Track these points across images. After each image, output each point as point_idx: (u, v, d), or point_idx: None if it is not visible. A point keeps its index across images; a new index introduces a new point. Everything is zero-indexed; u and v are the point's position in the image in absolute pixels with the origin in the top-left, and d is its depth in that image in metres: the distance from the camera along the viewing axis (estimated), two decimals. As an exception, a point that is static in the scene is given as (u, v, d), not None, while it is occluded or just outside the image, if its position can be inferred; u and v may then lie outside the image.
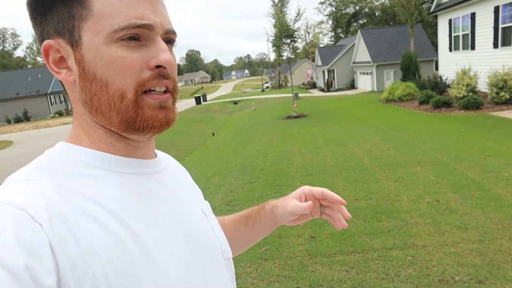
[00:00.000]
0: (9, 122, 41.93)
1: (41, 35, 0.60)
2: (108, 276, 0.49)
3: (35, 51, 75.94)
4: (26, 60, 75.76)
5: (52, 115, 43.37)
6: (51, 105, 44.70)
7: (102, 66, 0.56)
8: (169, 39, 0.61)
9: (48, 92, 43.61)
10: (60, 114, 43.43)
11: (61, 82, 0.61)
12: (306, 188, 0.85)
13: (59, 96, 46.31)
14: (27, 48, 78.10)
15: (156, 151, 0.73)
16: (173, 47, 0.64)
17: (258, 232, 0.91)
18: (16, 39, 73.91)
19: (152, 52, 0.57)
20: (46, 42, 0.58)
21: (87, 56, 0.56)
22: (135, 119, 0.58)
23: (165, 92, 0.60)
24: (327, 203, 0.84)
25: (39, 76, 45.00)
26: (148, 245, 0.55)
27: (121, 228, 0.54)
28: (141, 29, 0.56)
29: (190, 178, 0.82)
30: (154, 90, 0.58)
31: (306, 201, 0.83)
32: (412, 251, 3.44)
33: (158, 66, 0.57)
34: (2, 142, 21.45)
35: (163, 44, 0.58)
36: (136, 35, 0.56)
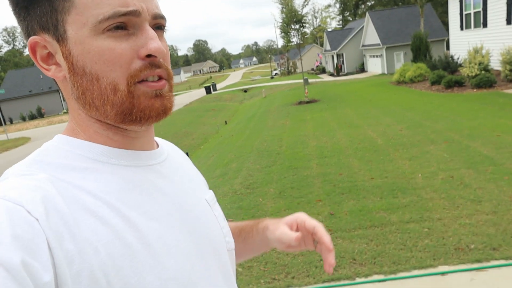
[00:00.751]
0: (24, 119, 42.77)
1: (26, 31, 0.57)
2: (107, 271, 0.49)
3: (45, 47, 76.70)
4: (37, 57, 76.64)
5: (65, 110, 44.02)
6: (63, 100, 45.24)
7: (90, 60, 0.54)
8: (158, 24, 0.59)
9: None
10: (73, 109, 44.06)
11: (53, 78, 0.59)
12: (300, 217, 0.79)
13: (71, 91, 46.88)
14: (36, 45, 78.85)
15: (158, 139, 0.72)
16: (164, 32, 0.62)
17: (249, 247, 0.86)
18: (25, 37, 74.68)
19: (141, 41, 0.55)
20: (31, 38, 0.56)
21: (74, 51, 0.54)
22: (131, 110, 0.56)
23: (159, 79, 0.58)
24: (318, 239, 0.76)
25: (50, 72, 45.58)
26: (149, 238, 0.54)
27: (121, 221, 0.53)
28: (127, 16, 0.53)
29: (194, 167, 0.81)
30: (147, 80, 0.57)
31: (297, 229, 0.78)
32: (428, 224, 3.61)
33: (148, 56, 0.55)
34: (20, 139, 22.05)
35: (151, 32, 0.56)
36: (123, 24, 0.54)
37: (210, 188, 0.82)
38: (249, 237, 0.84)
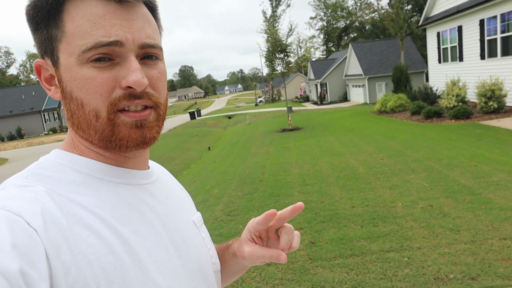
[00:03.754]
0: (2, 139, 41.80)
1: (38, 53, 0.63)
2: (99, 284, 0.49)
3: (29, 68, 76.23)
4: (20, 78, 75.89)
5: (46, 132, 43.32)
6: (45, 122, 44.67)
7: (76, 86, 0.56)
8: (148, 54, 0.60)
9: (42, 109, 43.67)
10: (54, 131, 43.41)
11: None
12: (250, 226, 0.73)
13: (53, 113, 46.34)
14: (20, 66, 78.31)
15: (150, 161, 0.74)
16: (159, 60, 0.62)
17: (225, 273, 0.83)
18: (9, 57, 74.09)
19: (123, 72, 0.56)
20: (36, 61, 0.62)
21: (64, 76, 0.58)
22: (110, 137, 0.58)
23: (144, 108, 0.59)
24: (276, 223, 0.71)
25: (33, 93, 45.10)
26: (140, 255, 0.56)
27: (114, 237, 0.54)
28: (110, 47, 0.55)
29: (183, 189, 0.83)
30: (129, 109, 0.58)
31: (257, 237, 0.73)
32: (408, 253, 3.61)
33: (129, 87, 0.57)
34: (-3, 160, 21.42)
35: (135, 63, 0.57)
36: (106, 55, 0.56)
37: None
38: (222, 262, 0.83)
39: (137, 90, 0.57)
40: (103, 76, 0.56)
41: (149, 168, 0.71)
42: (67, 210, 0.52)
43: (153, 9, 0.64)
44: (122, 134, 0.58)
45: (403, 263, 3.44)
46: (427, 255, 3.53)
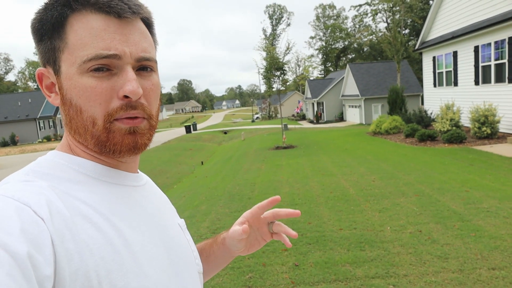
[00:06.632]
0: (-5, 146, 41.42)
1: (40, 61, 0.67)
2: (99, 272, 0.53)
3: (27, 76, 76.17)
4: (17, 84, 75.75)
5: (40, 140, 43.02)
6: (40, 129, 44.41)
7: (76, 94, 0.61)
8: (143, 66, 0.64)
9: (38, 116, 43.46)
10: (48, 139, 43.11)
11: None
12: (246, 213, 0.86)
13: (49, 121, 46.14)
14: (19, 72, 78.25)
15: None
16: (153, 72, 0.67)
17: (212, 264, 0.93)
18: (8, 64, 74.07)
19: (120, 82, 0.61)
20: (39, 69, 0.65)
21: (64, 84, 0.62)
22: (105, 142, 0.62)
23: (136, 117, 0.63)
24: (270, 217, 0.85)
25: (29, 100, 44.96)
26: (134, 248, 0.59)
27: (112, 229, 0.58)
28: (109, 59, 0.60)
29: (166, 197, 0.88)
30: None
31: (249, 225, 0.85)
32: (394, 280, 3.49)
33: (126, 96, 0.61)
34: (-13, 167, 21.14)
35: (131, 74, 0.61)
36: (105, 65, 0.60)
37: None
38: (210, 254, 0.91)
39: (133, 99, 0.61)
40: (102, 86, 0.60)
41: (138, 172, 0.75)
42: (69, 204, 0.56)
43: (149, 25, 0.69)
44: (116, 140, 0.62)
45: (388, 291, 3.32)
46: (413, 283, 3.42)
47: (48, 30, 0.62)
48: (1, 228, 0.46)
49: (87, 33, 0.60)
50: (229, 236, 0.87)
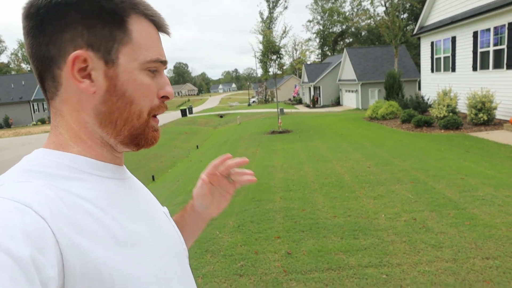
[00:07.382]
0: (-12, 128, 41.03)
1: (64, 41, 0.60)
2: (108, 264, 0.54)
3: (20, 57, 74.90)
4: (10, 66, 74.57)
5: (35, 122, 42.65)
6: (34, 112, 43.99)
7: (132, 87, 0.64)
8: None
9: (31, 99, 42.98)
10: (42, 121, 42.73)
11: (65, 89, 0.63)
12: (202, 173, 0.90)
13: (43, 104, 45.64)
14: (12, 54, 76.99)
15: None
16: None
17: (188, 234, 0.94)
18: (0, 45, 72.78)
19: (160, 83, 0.68)
20: (77, 52, 0.60)
21: (121, 76, 0.63)
22: (140, 135, 0.67)
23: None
24: (224, 170, 0.88)
25: (23, 83, 44.37)
26: (134, 239, 0.61)
27: (113, 222, 0.59)
28: (161, 64, 0.68)
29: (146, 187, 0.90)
30: (155, 115, 0.70)
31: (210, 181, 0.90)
32: (387, 269, 3.45)
33: (163, 96, 0.69)
34: (-20, 149, 20.93)
35: (166, 78, 0.70)
36: (156, 68, 0.67)
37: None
38: (184, 225, 0.92)
39: (171, 99, 0.70)
40: (153, 84, 0.66)
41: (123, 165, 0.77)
42: (68, 200, 0.56)
43: None
44: (148, 135, 0.68)
45: (381, 280, 3.28)
46: (407, 272, 3.38)
47: (110, 15, 0.62)
48: (3, 231, 0.46)
49: (149, 36, 0.66)
50: (195, 197, 0.90)
